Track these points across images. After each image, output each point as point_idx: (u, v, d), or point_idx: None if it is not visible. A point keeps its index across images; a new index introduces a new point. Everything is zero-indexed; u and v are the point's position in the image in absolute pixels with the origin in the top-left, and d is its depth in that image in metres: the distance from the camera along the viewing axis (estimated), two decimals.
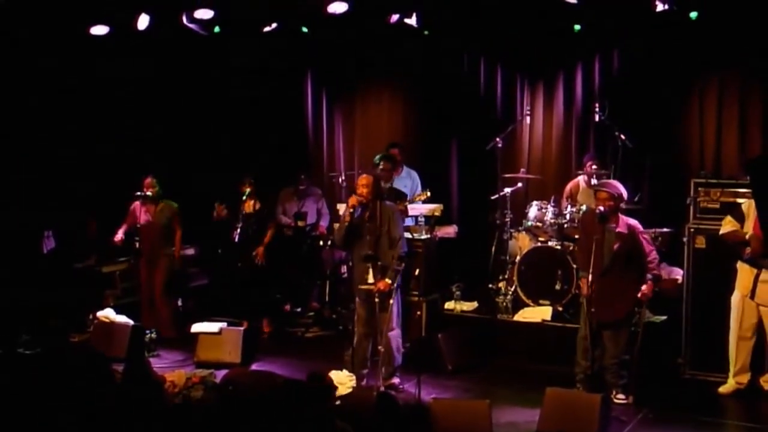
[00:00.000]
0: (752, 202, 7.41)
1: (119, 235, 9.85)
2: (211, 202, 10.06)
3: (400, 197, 9.33)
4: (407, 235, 9.08)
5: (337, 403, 6.73)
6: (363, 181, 7.76)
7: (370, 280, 7.58)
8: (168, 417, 5.30)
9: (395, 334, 7.78)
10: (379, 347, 7.66)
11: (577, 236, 8.67)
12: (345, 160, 11.60)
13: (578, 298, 8.50)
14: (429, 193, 9.55)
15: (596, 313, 7.30)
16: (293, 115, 11.83)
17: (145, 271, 9.86)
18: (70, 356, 8.12)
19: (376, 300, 7.59)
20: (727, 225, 7.52)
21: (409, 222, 9.48)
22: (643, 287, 7.34)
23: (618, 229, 7.34)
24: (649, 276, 7.38)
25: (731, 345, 7.61)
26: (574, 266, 8.70)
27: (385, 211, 7.72)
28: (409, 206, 9.47)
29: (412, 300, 8.90)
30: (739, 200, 7.67)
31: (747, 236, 7.33)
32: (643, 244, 7.44)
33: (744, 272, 7.47)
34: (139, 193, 9.71)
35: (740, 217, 7.45)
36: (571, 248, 8.99)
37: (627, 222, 7.43)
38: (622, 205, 7.61)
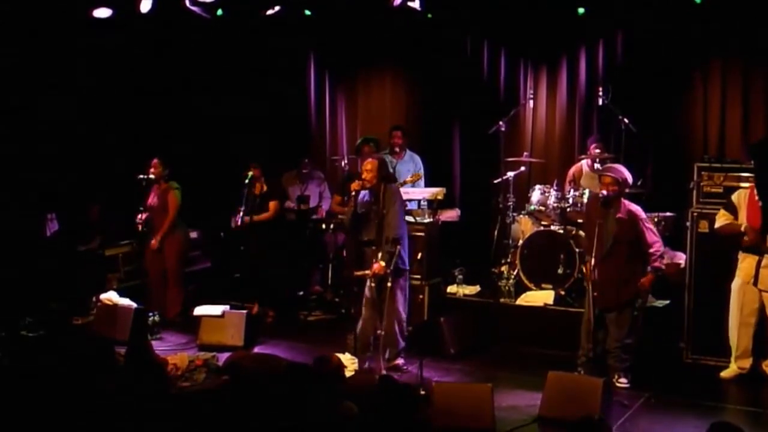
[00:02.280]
0: (742, 192, 7.52)
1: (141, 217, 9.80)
2: (213, 186, 10.05)
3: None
4: (409, 218, 9.09)
5: None
6: (368, 166, 7.78)
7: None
8: (171, 400, 5.32)
9: (399, 318, 7.79)
10: (379, 331, 7.68)
11: (580, 220, 8.68)
12: (347, 144, 11.58)
13: (581, 282, 8.53)
14: (421, 174, 9.50)
15: (599, 297, 7.32)
16: (296, 98, 11.80)
17: (151, 252, 9.86)
18: (74, 340, 8.18)
19: (373, 285, 7.61)
20: (722, 218, 7.57)
21: (412, 206, 9.47)
22: (643, 279, 7.35)
23: (618, 215, 7.32)
24: (649, 268, 7.36)
25: (732, 330, 7.63)
26: (577, 250, 8.72)
27: (387, 194, 7.73)
28: (403, 189, 9.43)
29: (415, 284, 8.88)
30: (743, 184, 7.66)
31: (742, 228, 7.39)
32: (646, 233, 7.35)
33: (746, 260, 7.48)
34: (141, 176, 9.68)
35: (733, 210, 7.51)
36: (573, 232, 8.99)
37: (628, 208, 7.40)
38: (627, 191, 7.58)
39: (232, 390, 5.71)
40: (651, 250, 7.34)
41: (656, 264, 7.38)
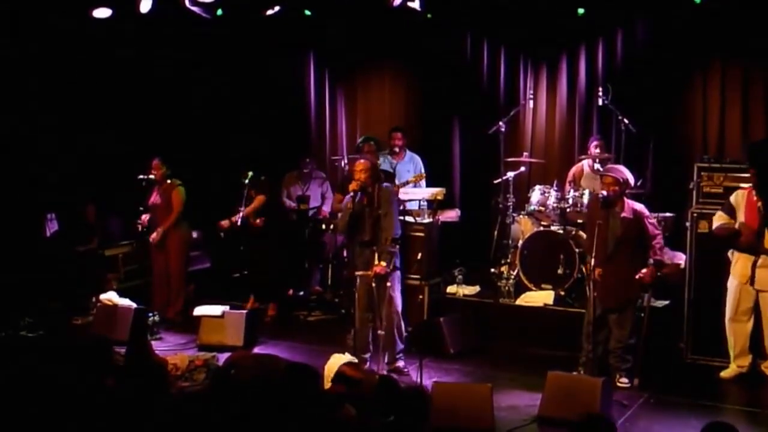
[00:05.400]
0: (740, 192, 7.49)
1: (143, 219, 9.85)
2: (213, 186, 10.04)
3: (388, 178, 9.25)
4: (409, 218, 9.09)
5: None
6: (360, 166, 7.73)
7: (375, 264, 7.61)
8: (170, 401, 5.31)
9: (398, 318, 7.81)
10: (379, 331, 7.69)
11: (580, 221, 8.69)
12: (347, 144, 11.57)
13: (580, 282, 8.55)
14: (424, 174, 9.49)
15: (602, 298, 7.31)
16: (296, 98, 11.80)
17: (155, 251, 9.84)
18: (73, 339, 8.17)
19: (373, 285, 7.62)
20: (718, 220, 7.55)
21: (411, 206, 9.46)
22: (644, 270, 7.28)
23: (623, 215, 7.31)
24: (650, 261, 7.33)
25: (728, 330, 7.63)
26: (577, 250, 8.71)
27: (382, 194, 7.73)
28: (404, 189, 9.42)
29: (414, 284, 8.90)
30: (743, 185, 7.65)
31: (737, 225, 7.36)
32: (649, 227, 7.38)
33: (741, 260, 7.47)
34: (141, 176, 9.68)
35: (731, 211, 7.48)
36: (573, 232, 8.99)
37: (633, 207, 7.39)
38: (628, 190, 7.59)
39: (230, 390, 5.69)
40: (653, 242, 7.34)
41: (657, 256, 7.38)
